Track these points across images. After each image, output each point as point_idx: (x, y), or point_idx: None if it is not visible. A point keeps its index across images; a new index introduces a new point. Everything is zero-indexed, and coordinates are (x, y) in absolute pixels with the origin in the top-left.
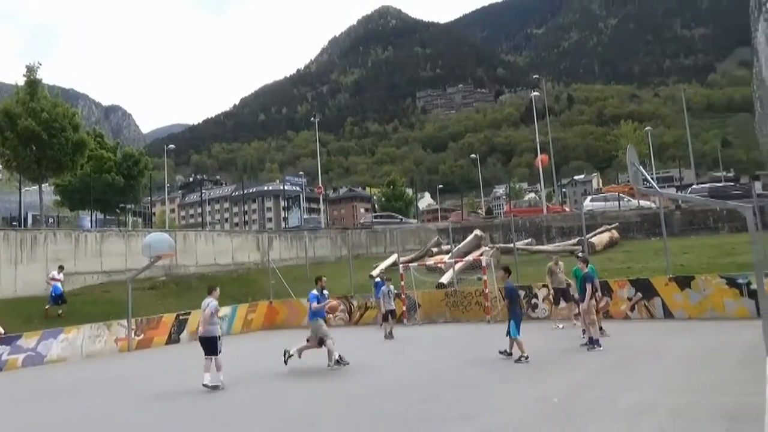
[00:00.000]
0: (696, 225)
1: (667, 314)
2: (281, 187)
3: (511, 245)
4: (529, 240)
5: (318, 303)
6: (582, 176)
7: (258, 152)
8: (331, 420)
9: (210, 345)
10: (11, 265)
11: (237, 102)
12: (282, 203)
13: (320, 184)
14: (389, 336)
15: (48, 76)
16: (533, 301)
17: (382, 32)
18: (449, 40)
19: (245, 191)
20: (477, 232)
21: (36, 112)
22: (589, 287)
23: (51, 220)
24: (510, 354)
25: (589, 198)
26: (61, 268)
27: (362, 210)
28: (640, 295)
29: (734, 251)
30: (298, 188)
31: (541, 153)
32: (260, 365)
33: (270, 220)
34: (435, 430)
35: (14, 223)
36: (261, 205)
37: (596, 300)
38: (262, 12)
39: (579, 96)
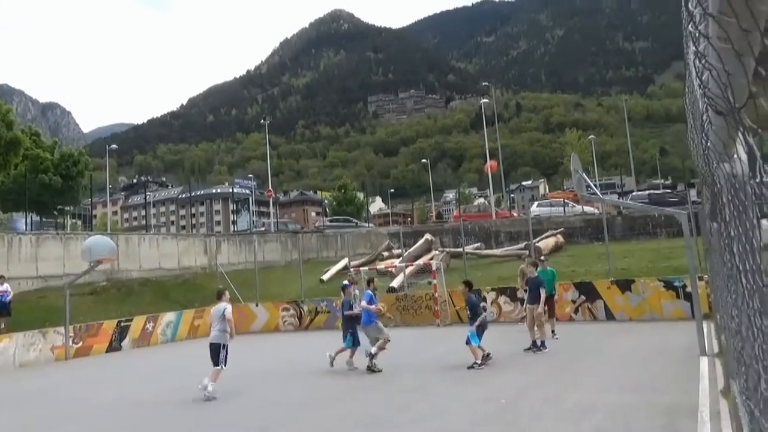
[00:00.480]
0: (636, 230)
1: (609, 316)
2: (230, 190)
3: (461, 249)
4: (479, 244)
5: (370, 303)
6: (529, 182)
7: (206, 154)
8: (282, 425)
9: (217, 352)
10: None
11: (184, 102)
12: (231, 206)
13: (270, 187)
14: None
15: None
16: (482, 304)
17: (334, 36)
18: (401, 45)
19: (192, 193)
20: (427, 236)
21: None
22: (543, 291)
23: None
24: (481, 363)
25: (536, 204)
26: (2, 279)
27: (313, 214)
28: (583, 297)
29: (671, 255)
30: (247, 191)
31: (490, 159)
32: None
33: (219, 223)
34: None
35: None
36: (209, 208)
37: (552, 305)
38: (211, 11)
39: (527, 104)
